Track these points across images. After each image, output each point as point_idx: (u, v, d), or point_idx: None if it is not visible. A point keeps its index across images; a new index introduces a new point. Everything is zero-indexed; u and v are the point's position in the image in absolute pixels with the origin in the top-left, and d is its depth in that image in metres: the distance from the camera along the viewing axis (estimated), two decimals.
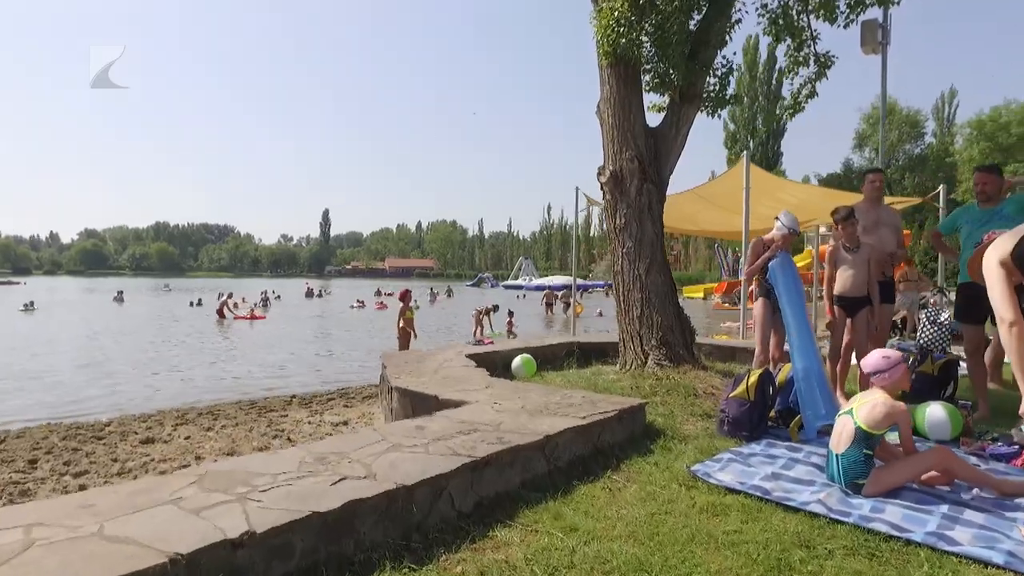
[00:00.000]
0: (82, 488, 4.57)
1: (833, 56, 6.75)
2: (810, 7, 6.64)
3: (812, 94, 6.91)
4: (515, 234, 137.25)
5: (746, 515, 2.89)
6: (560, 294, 28.04)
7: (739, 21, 6.68)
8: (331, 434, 6.03)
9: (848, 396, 5.14)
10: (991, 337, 5.23)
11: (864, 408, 3.16)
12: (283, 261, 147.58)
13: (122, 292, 35.03)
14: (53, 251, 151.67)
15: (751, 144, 47.13)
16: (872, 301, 5.06)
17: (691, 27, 6.44)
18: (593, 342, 8.40)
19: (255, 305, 27.65)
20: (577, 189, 11.13)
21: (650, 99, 6.85)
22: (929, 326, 8.32)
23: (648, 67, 6.63)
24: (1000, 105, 35.97)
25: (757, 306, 5.29)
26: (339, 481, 2.62)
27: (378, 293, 40.47)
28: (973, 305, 4.86)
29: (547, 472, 3.39)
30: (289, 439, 5.93)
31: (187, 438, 6.07)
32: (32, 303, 26.49)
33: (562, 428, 3.56)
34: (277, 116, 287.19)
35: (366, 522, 2.46)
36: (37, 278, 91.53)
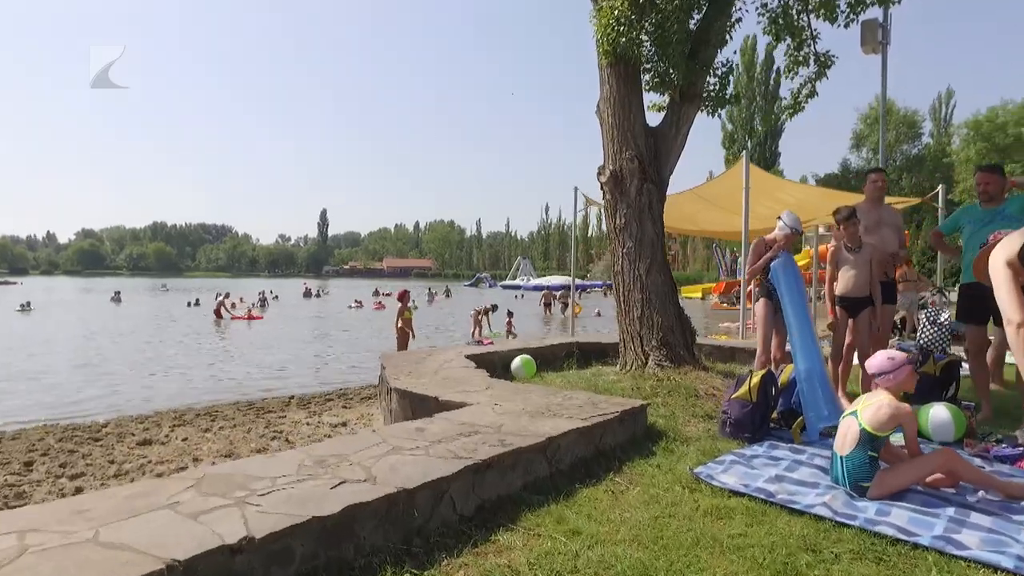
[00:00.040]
0: (78, 491, 4.53)
1: (833, 56, 6.73)
2: (810, 6, 6.61)
3: (812, 94, 6.89)
4: (513, 234, 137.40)
5: (751, 518, 2.86)
6: (558, 294, 28.00)
7: (739, 20, 6.66)
8: (330, 435, 5.99)
9: (850, 397, 5.12)
10: (991, 337, 5.21)
11: (869, 410, 3.13)
12: (281, 261, 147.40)
13: (119, 292, 34.93)
14: (50, 251, 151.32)
15: (749, 144, 47.14)
16: (874, 301, 5.03)
17: (691, 26, 6.42)
18: (593, 342, 8.37)
19: (253, 305, 27.59)
20: (576, 189, 11.12)
21: (650, 98, 6.83)
22: (929, 326, 8.30)
23: (648, 66, 6.60)
24: (997, 105, 36.03)
25: (759, 306, 5.26)
26: (339, 485, 2.58)
27: (376, 293, 40.41)
28: (975, 306, 4.84)
29: (549, 475, 3.35)
30: (287, 440, 5.89)
31: (184, 439, 6.03)
32: (28, 303, 26.38)
33: (564, 430, 3.53)
34: (277, 116, 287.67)
35: (366, 526, 2.42)
36: (34, 278, 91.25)
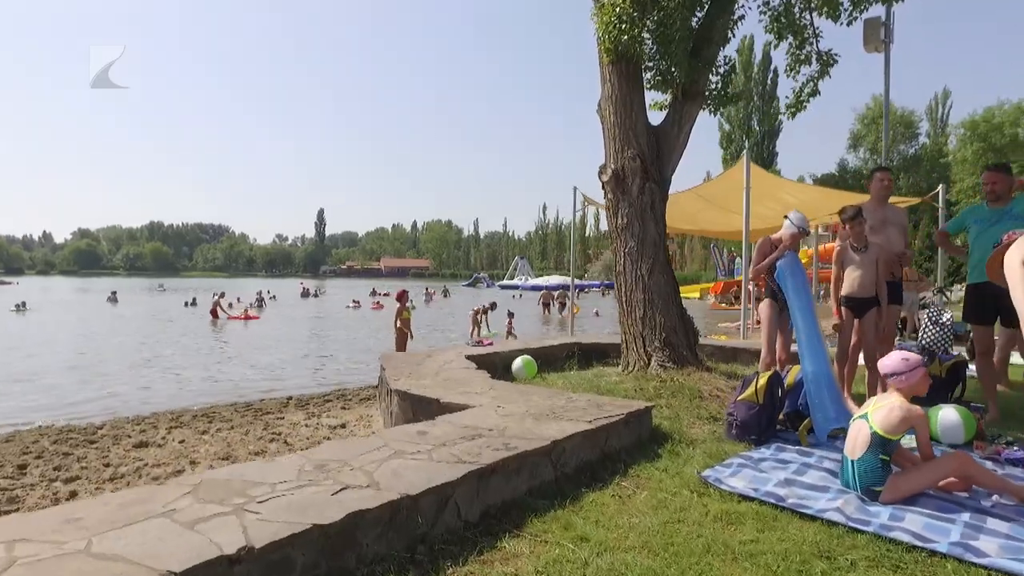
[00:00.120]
0: (72, 495, 4.45)
1: (835, 54, 6.68)
2: (812, 4, 6.56)
3: (814, 92, 6.85)
4: (511, 234, 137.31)
5: (762, 523, 2.79)
6: (556, 294, 27.94)
7: (742, 18, 6.61)
8: (329, 437, 5.91)
9: (855, 398, 5.07)
10: (995, 338, 5.15)
11: (880, 412, 3.07)
12: (278, 261, 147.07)
13: (116, 292, 34.75)
14: (46, 251, 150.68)
15: (747, 144, 47.13)
16: (880, 302, 4.97)
17: (693, 24, 6.36)
18: (594, 343, 8.31)
19: (250, 305, 27.47)
20: (575, 188, 11.06)
21: (651, 97, 6.77)
22: (931, 326, 8.26)
23: (650, 64, 6.55)
24: (993, 106, 36.06)
25: (763, 307, 5.20)
26: (340, 491, 2.51)
27: (373, 293, 40.28)
28: (982, 306, 4.80)
29: (554, 479, 3.29)
30: (286, 443, 5.81)
31: (181, 442, 5.94)
32: (24, 303, 26.21)
33: (569, 433, 3.46)
34: (277, 116, 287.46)
35: (369, 534, 2.35)
36: (30, 278, 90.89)
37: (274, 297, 35.29)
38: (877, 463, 3.02)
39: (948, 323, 8.15)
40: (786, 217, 4.88)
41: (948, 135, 45.01)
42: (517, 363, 6.60)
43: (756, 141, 48.50)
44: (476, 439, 3.33)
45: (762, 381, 4.12)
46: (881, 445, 3.02)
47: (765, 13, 6.59)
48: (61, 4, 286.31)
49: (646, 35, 6.16)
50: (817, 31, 6.66)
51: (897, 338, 10.25)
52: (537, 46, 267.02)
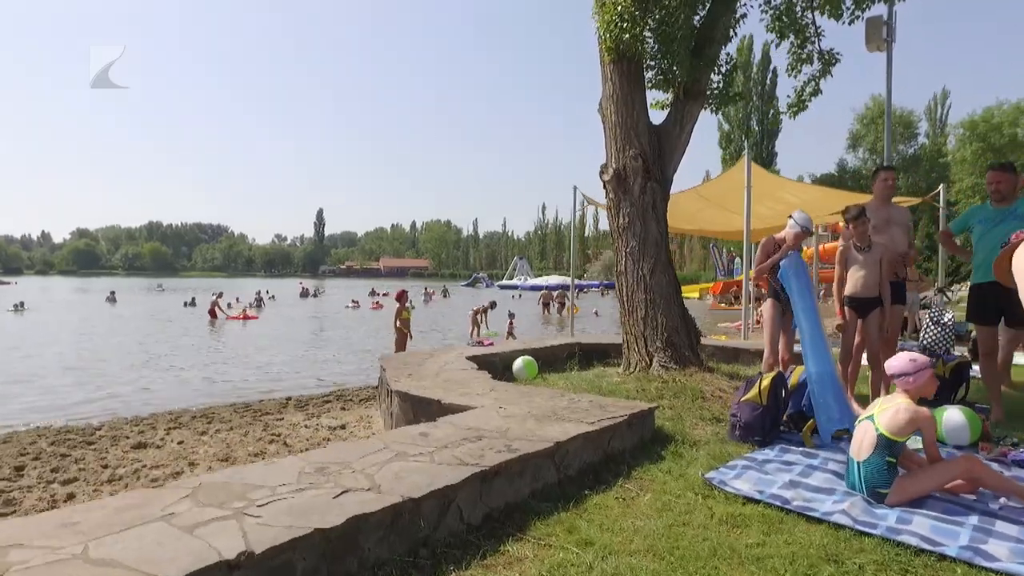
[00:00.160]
0: (70, 497, 4.41)
1: (837, 53, 6.66)
2: (814, 3, 6.53)
3: (816, 92, 6.82)
4: (510, 234, 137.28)
5: (768, 526, 2.76)
6: (556, 294, 27.91)
7: (744, 16, 6.57)
8: (329, 439, 5.88)
9: (858, 399, 5.04)
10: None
11: (886, 414, 3.04)
12: (277, 261, 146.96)
13: (114, 292, 34.68)
14: (45, 251, 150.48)
15: (745, 144, 47.16)
16: (883, 302, 4.94)
17: (695, 22, 6.33)
18: (594, 343, 8.28)
19: (249, 305, 27.40)
20: (575, 188, 11.03)
21: (652, 96, 6.74)
22: (932, 326, 8.23)
23: (651, 63, 6.51)
24: (992, 106, 36.04)
25: (766, 307, 5.17)
26: (341, 494, 2.48)
27: (372, 293, 40.21)
28: (986, 306, 4.76)
29: (557, 481, 3.25)
30: (286, 444, 5.77)
31: (180, 443, 5.90)
32: (22, 303, 26.14)
33: (573, 434, 3.42)
34: (277, 116, 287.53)
35: (371, 538, 2.31)
36: (29, 278, 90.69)
37: (273, 297, 35.23)
38: (883, 465, 2.99)
39: (950, 323, 8.12)
40: (790, 217, 4.85)
41: (947, 135, 44.99)
42: (518, 364, 6.57)
43: (755, 141, 48.47)
44: (478, 441, 3.30)
45: (766, 382, 4.09)
46: (887, 447, 2.99)
47: (767, 12, 6.56)
48: (61, 4, 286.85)
49: (648, 34, 6.13)
50: (819, 30, 6.64)
51: (898, 338, 10.24)
52: (537, 46, 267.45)
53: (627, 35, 5.86)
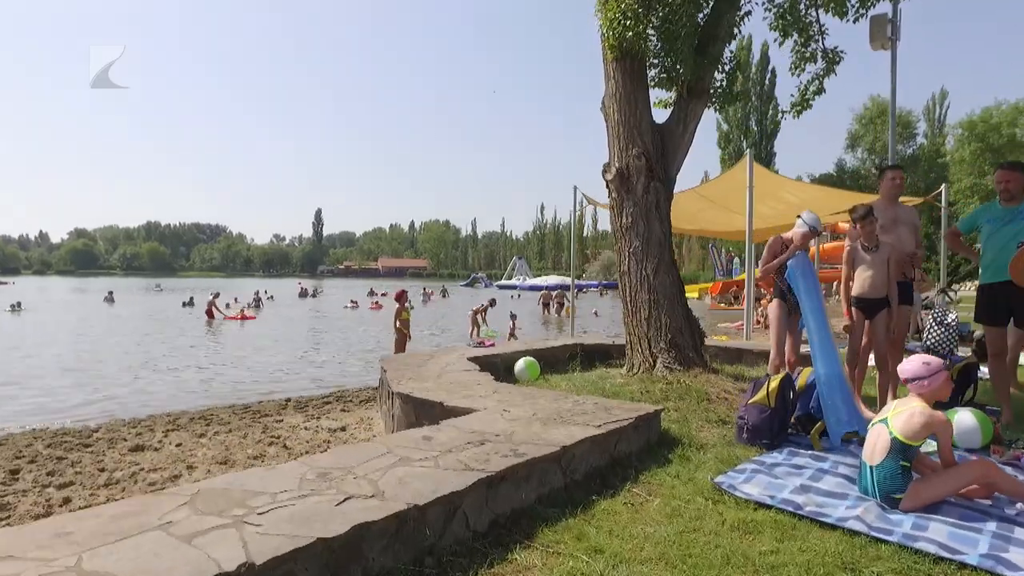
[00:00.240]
0: (66, 501, 4.33)
1: (841, 52, 6.60)
2: (819, 1, 6.48)
3: (820, 91, 6.76)
4: (508, 234, 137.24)
5: (780, 533, 2.70)
6: (555, 294, 27.84)
7: (748, 13, 6.52)
8: (329, 441, 5.80)
9: (865, 401, 4.98)
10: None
11: (900, 417, 2.98)
12: (275, 261, 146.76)
13: (112, 292, 34.54)
14: (42, 251, 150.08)
15: (744, 144, 47.09)
16: (891, 302, 4.88)
17: (699, 20, 6.27)
18: (596, 344, 8.21)
19: (248, 305, 27.29)
20: (576, 188, 10.97)
21: (655, 95, 6.67)
22: (936, 327, 8.18)
23: (655, 61, 6.45)
24: (991, 106, 36.04)
25: (772, 307, 5.10)
26: (344, 501, 2.41)
27: (371, 293, 40.09)
28: (995, 306, 4.70)
29: (564, 486, 3.19)
30: (285, 446, 5.69)
31: (178, 445, 5.83)
32: (19, 303, 25.99)
33: (579, 438, 3.36)
34: (277, 116, 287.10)
35: (375, 547, 2.24)
36: (26, 278, 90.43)
37: (272, 297, 35.13)
38: (897, 469, 2.93)
39: (953, 324, 8.07)
40: (799, 216, 4.78)
41: (946, 135, 44.99)
42: (520, 365, 6.50)
43: (754, 141, 48.45)
44: (483, 445, 3.23)
45: (774, 384, 4.03)
46: (902, 451, 2.93)
47: (770, 10, 6.50)
48: (61, 4, 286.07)
49: (651, 31, 6.07)
50: (823, 28, 6.58)
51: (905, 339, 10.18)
52: (537, 46, 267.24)
53: (630, 33, 5.80)
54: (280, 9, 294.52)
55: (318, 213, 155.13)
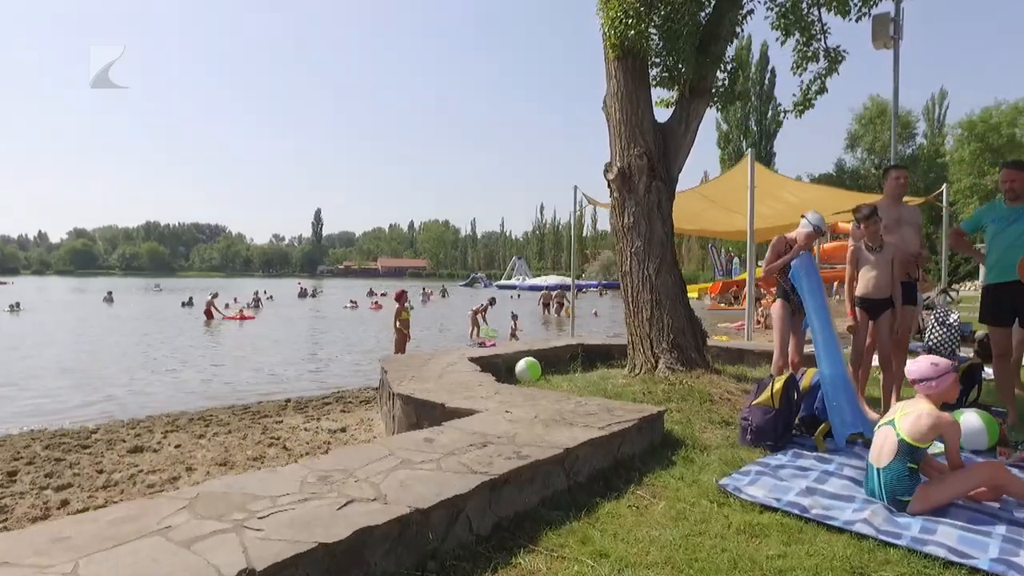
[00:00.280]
0: (64, 503, 4.29)
1: (844, 51, 6.57)
2: (821, 0, 6.45)
3: (822, 90, 6.73)
4: (508, 234, 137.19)
5: (787, 536, 2.66)
6: (555, 294, 27.81)
7: (751, 12, 6.48)
8: (330, 442, 5.77)
9: (869, 402, 4.94)
10: None
11: (907, 419, 2.95)
12: (275, 261, 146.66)
13: (111, 292, 34.48)
14: (42, 251, 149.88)
15: (744, 144, 47.07)
16: (895, 302, 4.84)
17: (701, 19, 6.24)
18: (597, 344, 8.18)
19: (247, 305, 27.25)
20: (576, 188, 10.94)
21: (657, 94, 6.64)
22: (938, 327, 8.16)
23: (657, 60, 6.41)
24: (991, 106, 36.04)
25: (775, 308, 5.07)
26: (346, 504, 2.37)
27: (371, 293, 40.05)
28: (1000, 307, 4.67)
29: (567, 488, 3.15)
30: (285, 448, 5.66)
31: (177, 446, 5.79)
32: (18, 304, 25.94)
33: (582, 440, 3.32)
34: (277, 116, 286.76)
35: (377, 552, 2.21)
36: (25, 278, 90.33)
37: (271, 297, 35.08)
38: (905, 471, 2.90)
39: (955, 324, 8.04)
40: (803, 216, 4.75)
41: (945, 135, 44.99)
42: (521, 365, 6.47)
43: (754, 141, 48.42)
44: (486, 447, 3.19)
45: (778, 385, 3.99)
46: (909, 453, 2.90)
47: (772, 9, 6.47)
48: (61, 4, 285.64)
49: (653, 30, 6.03)
50: (825, 27, 6.55)
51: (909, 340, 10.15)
52: (537, 46, 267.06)
53: (632, 31, 5.76)
54: (280, 9, 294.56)
55: (318, 213, 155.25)
